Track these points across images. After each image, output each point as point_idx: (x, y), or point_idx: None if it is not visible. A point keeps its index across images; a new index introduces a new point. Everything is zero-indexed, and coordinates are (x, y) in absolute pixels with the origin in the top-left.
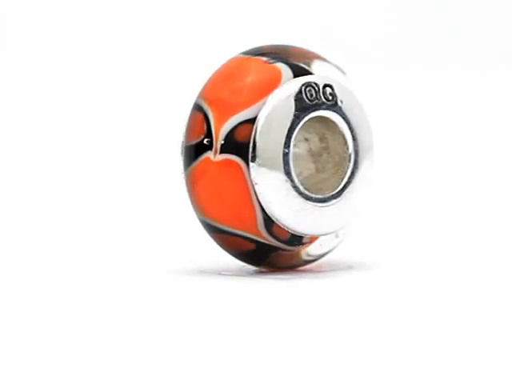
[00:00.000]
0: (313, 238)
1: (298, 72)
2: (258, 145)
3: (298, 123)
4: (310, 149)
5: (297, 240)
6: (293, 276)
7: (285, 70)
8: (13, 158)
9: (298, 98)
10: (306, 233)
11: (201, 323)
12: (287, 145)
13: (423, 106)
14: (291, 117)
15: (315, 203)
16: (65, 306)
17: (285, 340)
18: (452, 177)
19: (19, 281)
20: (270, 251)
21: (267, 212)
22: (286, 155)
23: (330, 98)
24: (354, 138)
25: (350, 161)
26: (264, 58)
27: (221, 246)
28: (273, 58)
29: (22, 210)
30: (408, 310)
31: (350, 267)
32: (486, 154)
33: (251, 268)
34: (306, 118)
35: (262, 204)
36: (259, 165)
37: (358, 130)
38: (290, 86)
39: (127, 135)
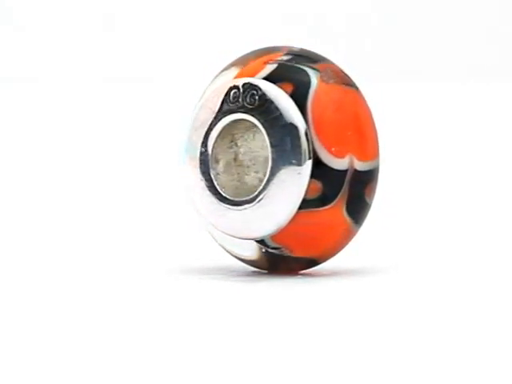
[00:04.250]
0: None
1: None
2: (187, 141)
3: (215, 124)
4: None
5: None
6: (291, 278)
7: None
8: (16, 160)
9: (224, 99)
10: (227, 233)
11: (199, 323)
12: (204, 144)
13: (425, 115)
14: (211, 117)
15: (229, 206)
16: (65, 304)
17: (282, 342)
18: (455, 181)
19: (19, 280)
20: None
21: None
22: (202, 154)
23: (252, 101)
24: (273, 145)
25: (267, 166)
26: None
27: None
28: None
29: (23, 209)
30: (408, 315)
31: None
32: (489, 159)
33: (249, 269)
34: (226, 120)
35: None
36: (183, 162)
37: (279, 136)
38: (221, 86)
39: (130, 136)
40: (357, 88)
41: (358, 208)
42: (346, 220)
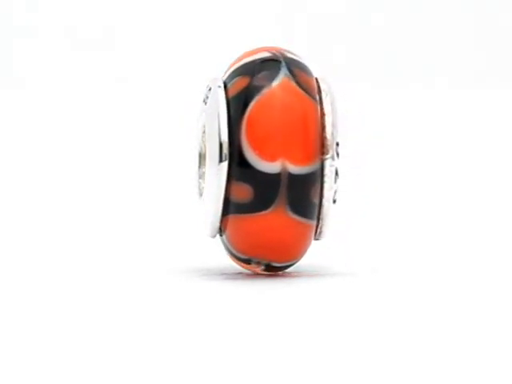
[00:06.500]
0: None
1: None
2: None
3: (198, 123)
4: None
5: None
6: (287, 279)
7: None
8: (17, 161)
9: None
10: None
11: (196, 323)
12: (197, 143)
13: (410, 117)
14: (197, 117)
15: (199, 204)
16: (65, 303)
17: (279, 342)
18: (439, 183)
19: (21, 278)
20: None
21: None
22: (196, 152)
23: (206, 101)
24: (206, 144)
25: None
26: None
27: None
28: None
29: (27, 209)
30: (393, 316)
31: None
32: (469, 162)
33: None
34: (201, 120)
35: None
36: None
37: (208, 137)
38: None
39: (132, 135)
40: (315, 100)
41: (305, 208)
42: (296, 220)
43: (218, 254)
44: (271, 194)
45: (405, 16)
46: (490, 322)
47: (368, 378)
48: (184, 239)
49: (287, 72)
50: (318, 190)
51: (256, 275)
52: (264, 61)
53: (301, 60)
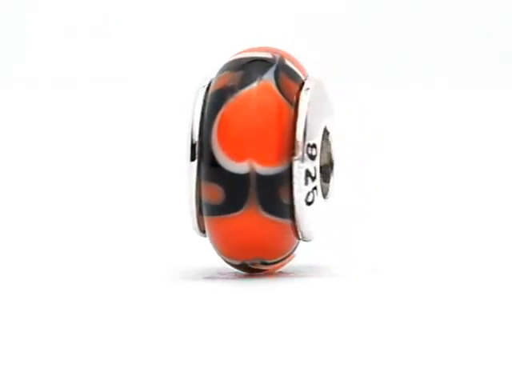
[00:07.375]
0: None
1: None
2: None
3: None
4: None
5: None
6: (282, 279)
7: None
8: (17, 162)
9: None
10: None
11: (192, 324)
12: None
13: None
14: None
15: None
16: (61, 302)
17: (275, 343)
18: (439, 182)
19: (18, 282)
20: None
21: None
22: None
23: None
24: None
25: None
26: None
27: None
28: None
29: (21, 210)
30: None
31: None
32: (471, 160)
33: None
34: None
35: None
36: None
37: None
38: None
39: (130, 135)
40: (291, 102)
41: (277, 208)
42: (270, 219)
43: (214, 253)
44: (242, 194)
45: (405, 16)
46: (489, 320)
47: (368, 379)
48: (181, 238)
49: (272, 75)
50: (288, 191)
51: (252, 275)
52: (254, 60)
53: (296, 69)
